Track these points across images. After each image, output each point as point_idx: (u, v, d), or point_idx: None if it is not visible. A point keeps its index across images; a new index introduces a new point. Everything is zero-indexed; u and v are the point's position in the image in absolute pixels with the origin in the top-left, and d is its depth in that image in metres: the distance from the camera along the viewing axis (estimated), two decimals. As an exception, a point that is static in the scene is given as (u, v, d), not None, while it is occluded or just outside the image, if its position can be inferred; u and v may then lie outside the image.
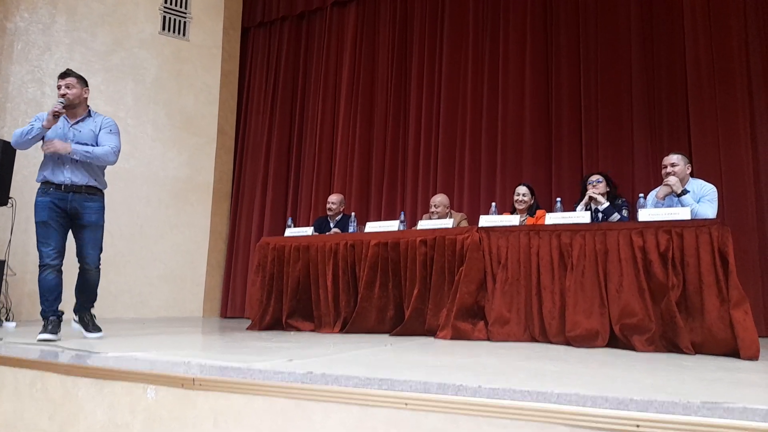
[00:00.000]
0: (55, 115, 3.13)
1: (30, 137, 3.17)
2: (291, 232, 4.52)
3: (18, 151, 5.30)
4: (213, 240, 6.66)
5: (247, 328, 4.31)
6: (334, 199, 5.19)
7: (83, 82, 3.38)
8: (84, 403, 2.06)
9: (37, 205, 3.24)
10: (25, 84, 5.73)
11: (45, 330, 3.08)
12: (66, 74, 3.32)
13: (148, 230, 6.15)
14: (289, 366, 2.10)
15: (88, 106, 3.44)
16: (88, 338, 3.29)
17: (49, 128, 3.19)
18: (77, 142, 3.25)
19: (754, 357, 2.65)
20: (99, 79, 6.00)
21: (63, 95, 3.24)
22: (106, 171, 3.49)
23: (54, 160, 3.26)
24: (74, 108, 3.33)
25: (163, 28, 6.52)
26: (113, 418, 1.97)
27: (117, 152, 3.38)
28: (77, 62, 5.96)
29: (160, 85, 6.44)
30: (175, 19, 6.61)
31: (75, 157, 3.20)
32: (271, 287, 4.30)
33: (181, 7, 6.66)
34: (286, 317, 4.21)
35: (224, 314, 6.63)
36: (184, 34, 6.66)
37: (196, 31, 6.74)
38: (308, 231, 4.47)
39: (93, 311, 3.45)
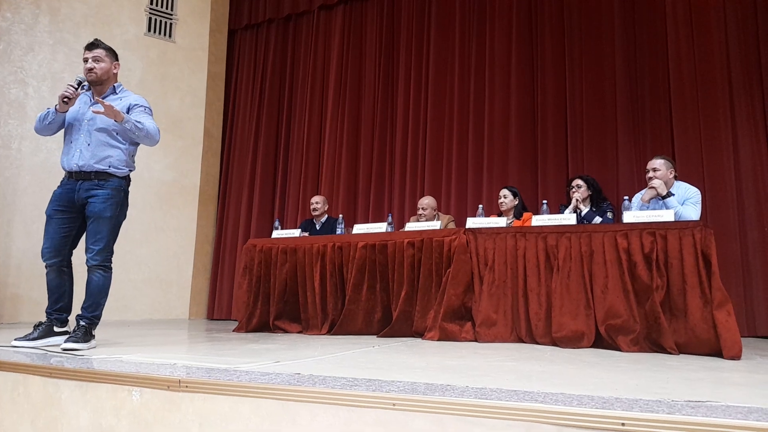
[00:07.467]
0: (65, 101, 2.75)
1: (47, 123, 2.85)
2: (278, 234, 4.50)
3: None
4: (199, 243, 6.61)
5: (234, 330, 4.29)
6: (317, 199, 5.21)
7: (113, 55, 2.94)
8: (67, 406, 2.03)
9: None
10: (7, 85, 5.65)
11: (26, 335, 2.79)
12: (94, 45, 2.87)
13: (132, 233, 6.08)
14: (276, 367, 2.09)
15: (116, 83, 3.01)
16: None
17: (64, 112, 2.84)
18: (96, 128, 2.82)
19: (736, 357, 2.69)
20: (83, 80, 5.93)
21: (90, 69, 2.84)
22: None
23: (69, 142, 2.87)
24: (101, 85, 2.91)
25: (149, 30, 6.47)
26: (97, 421, 1.94)
27: (159, 133, 2.94)
28: (61, 63, 5.90)
29: (146, 87, 6.37)
30: (160, 21, 6.56)
31: (126, 126, 2.77)
32: (258, 289, 4.28)
33: (166, 8, 6.62)
34: (273, 319, 4.20)
35: (211, 317, 6.58)
36: (170, 36, 6.62)
37: (182, 33, 6.70)
38: (295, 233, 4.45)
39: (87, 323, 2.80)
